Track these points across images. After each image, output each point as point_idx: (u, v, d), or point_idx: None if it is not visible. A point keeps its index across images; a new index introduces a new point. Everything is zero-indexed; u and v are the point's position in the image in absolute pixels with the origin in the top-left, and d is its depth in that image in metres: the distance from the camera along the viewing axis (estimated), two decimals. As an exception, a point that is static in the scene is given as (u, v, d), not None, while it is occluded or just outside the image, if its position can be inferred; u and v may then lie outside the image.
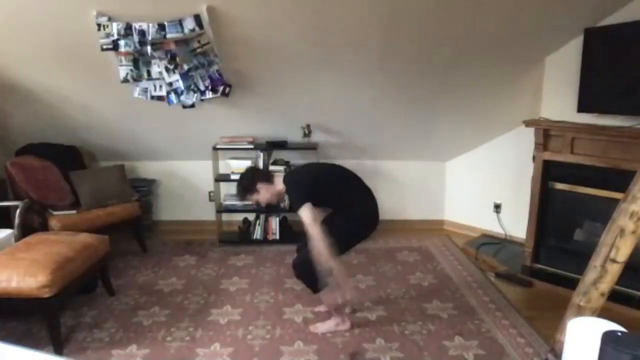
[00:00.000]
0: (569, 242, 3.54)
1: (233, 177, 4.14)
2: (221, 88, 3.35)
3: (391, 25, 2.98)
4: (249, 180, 2.69)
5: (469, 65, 3.37)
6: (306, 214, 2.46)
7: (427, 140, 4.27)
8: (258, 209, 4.19)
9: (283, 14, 2.88)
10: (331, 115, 3.93)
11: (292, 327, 2.80)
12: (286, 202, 4.21)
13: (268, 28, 2.99)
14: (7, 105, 3.64)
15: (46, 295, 2.43)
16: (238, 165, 4.13)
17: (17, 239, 3.00)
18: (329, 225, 2.54)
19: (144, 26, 2.94)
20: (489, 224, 4.34)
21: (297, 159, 4.25)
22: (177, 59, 3.16)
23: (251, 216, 4.28)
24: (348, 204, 2.66)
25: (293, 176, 2.76)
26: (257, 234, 4.19)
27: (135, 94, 3.34)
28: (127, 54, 3.10)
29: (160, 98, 3.37)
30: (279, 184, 2.69)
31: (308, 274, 2.59)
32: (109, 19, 2.90)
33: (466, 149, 4.41)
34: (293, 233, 4.29)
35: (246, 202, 2.83)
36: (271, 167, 4.15)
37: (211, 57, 3.19)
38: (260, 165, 4.11)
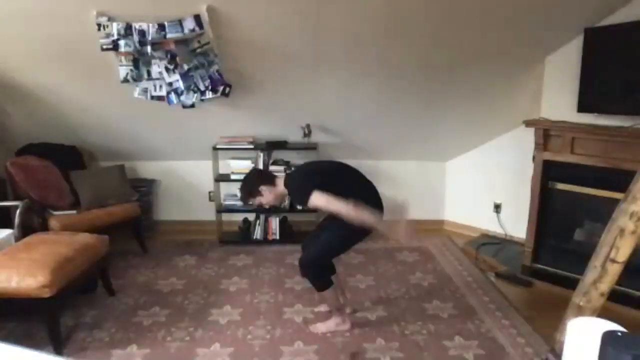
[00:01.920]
0: (569, 242, 3.54)
1: (233, 177, 4.14)
2: (221, 88, 3.35)
3: (391, 26, 2.98)
4: (252, 184, 2.69)
5: (469, 65, 3.37)
6: (319, 199, 2.45)
7: (427, 141, 4.27)
8: (258, 209, 4.20)
9: (283, 14, 2.88)
10: (331, 115, 3.93)
11: (292, 327, 2.80)
12: (286, 202, 4.22)
13: (268, 28, 2.99)
14: (8, 105, 3.64)
15: (46, 295, 2.43)
16: (238, 165, 4.14)
17: (17, 239, 3.00)
18: (335, 224, 2.55)
19: (144, 26, 2.94)
20: (489, 224, 4.34)
21: (297, 159, 4.25)
22: (177, 59, 3.16)
23: (251, 216, 4.28)
24: (351, 195, 2.65)
25: (294, 175, 2.78)
26: (257, 234, 4.19)
27: (135, 94, 3.34)
28: (127, 54, 3.10)
29: (160, 98, 3.37)
30: (281, 185, 2.69)
31: (314, 273, 2.61)
32: (109, 19, 2.90)
33: (466, 149, 4.41)
34: (293, 233, 4.30)
35: (250, 205, 2.84)
36: (271, 167, 4.15)
37: (211, 57, 3.19)
38: (260, 165, 4.11)
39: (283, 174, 2.82)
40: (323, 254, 2.62)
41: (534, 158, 3.53)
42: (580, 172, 3.25)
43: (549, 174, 3.46)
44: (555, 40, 3.24)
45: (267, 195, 2.68)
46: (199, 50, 3.12)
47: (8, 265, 2.47)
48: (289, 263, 3.76)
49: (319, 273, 2.61)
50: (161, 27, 2.94)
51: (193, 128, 3.96)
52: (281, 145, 4.12)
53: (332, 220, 2.59)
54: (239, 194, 2.88)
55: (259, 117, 3.95)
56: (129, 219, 3.81)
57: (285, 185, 2.67)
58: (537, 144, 3.44)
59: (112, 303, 3.09)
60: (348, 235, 2.58)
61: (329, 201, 2.43)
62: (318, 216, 4.21)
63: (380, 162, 4.48)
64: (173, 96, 3.35)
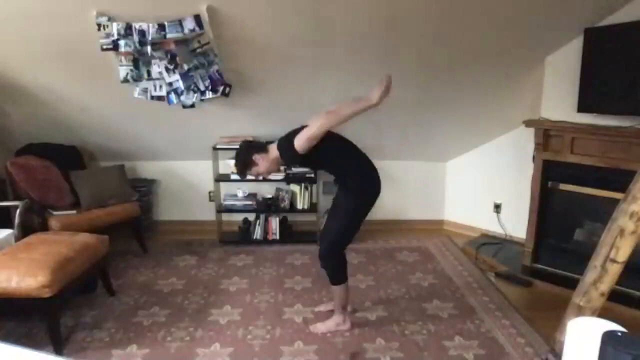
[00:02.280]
0: (569, 242, 3.54)
1: (233, 177, 4.14)
2: (221, 88, 3.34)
3: (391, 26, 2.98)
4: (245, 154, 2.66)
5: (469, 66, 3.37)
6: (319, 121, 2.44)
7: (428, 141, 4.27)
8: (258, 209, 4.20)
9: (283, 14, 2.88)
10: (331, 115, 3.92)
11: (292, 327, 2.80)
12: (286, 202, 4.22)
13: (268, 28, 2.99)
14: (7, 105, 3.64)
15: (46, 295, 2.43)
16: (238, 165, 4.13)
17: (17, 239, 3.00)
18: (341, 202, 2.63)
19: (144, 26, 2.94)
20: (489, 224, 4.34)
21: (297, 159, 4.24)
22: (177, 59, 3.16)
23: (251, 216, 4.28)
24: (351, 163, 2.65)
25: (284, 136, 2.68)
26: (257, 234, 4.19)
27: (135, 94, 3.34)
28: (127, 54, 3.10)
29: (160, 98, 3.37)
30: (274, 149, 2.64)
31: (333, 265, 2.66)
32: (109, 19, 2.90)
33: (466, 149, 4.41)
34: (293, 233, 4.30)
35: (249, 177, 2.77)
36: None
37: (211, 57, 3.19)
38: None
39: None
40: (339, 236, 2.65)
41: (534, 158, 3.53)
42: (580, 172, 3.25)
43: (549, 174, 3.46)
44: (555, 41, 3.24)
45: (262, 163, 2.64)
46: (199, 50, 3.12)
47: (8, 265, 2.47)
48: (289, 263, 3.76)
49: (340, 265, 2.66)
50: (161, 27, 2.94)
51: (193, 128, 3.96)
52: (281, 145, 4.11)
53: (338, 202, 2.68)
54: (235, 169, 2.80)
55: (259, 117, 3.95)
56: (129, 219, 3.81)
57: (278, 147, 2.63)
58: (537, 144, 3.44)
59: (112, 303, 3.09)
60: (356, 209, 2.63)
61: (332, 112, 2.43)
62: (318, 216, 4.22)
63: (380, 162, 4.42)
64: (173, 96, 3.35)
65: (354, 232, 2.71)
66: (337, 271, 2.68)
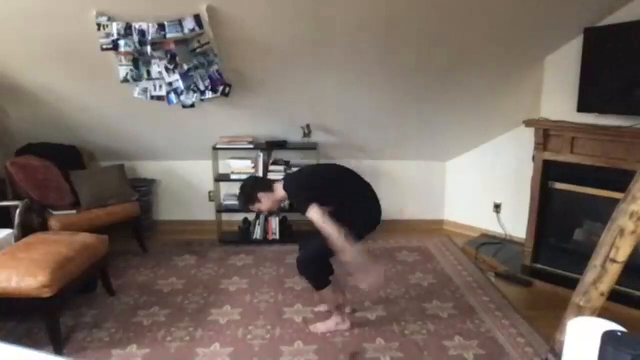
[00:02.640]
0: (569, 242, 3.54)
1: (233, 177, 4.15)
2: (221, 88, 3.35)
3: (391, 26, 2.98)
4: (251, 191, 2.70)
5: (469, 66, 3.37)
6: (315, 215, 2.46)
7: (427, 140, 4.27)
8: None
9: (283, 14, 2.88)
10: (331, 115, 3.93)
11: (292, 327, 2.80)
12: (286, 203, 4.22)
13: (268, 28, 2.99)
14: (7, 105, 3.64)
15: (46, 295, 2.43)
16: (238, 165, 4.14)
17: (17, 239, 3.00)
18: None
19: (144, 26, 2.94)
20: (489, 224, 4.34)
21: (297, 159, 4.25)
22: (177, 59, 3.16)
23: (251, 216, 4.28)
24: (349, 202, 2.66)
25: (294, 182, 2.74)
26: (257, 234, 4.19)
27: (135, 94, 3.34)
28: (127, 54, 3.10)
29: (160, 98, 3.37)
30: (279, 190, 2.69)
31: (312, 271, 2.61)
32: (109, 19, 2.90)
33: (466, 149, 4.41)
34: (293, 233, 4.30)
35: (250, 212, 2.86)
36: (271, 167, 4.16)
37: (211, 57, 3.19)
38: (261, 165, 4.11)
39: (282, 176, 2.81)
40: (319, 253, 2.60)
41: (534, 158, 3.52)
42: (580, 172, 3.24)
43: (549, 174, 3.46)
44: (555, 41, 3.24)
45: (265, 202, 2.69)
46: (199, 50, 3.12)
47: (8, 265, 2.47)
48: (289, 263, 3.76)
49: (317, 272, 2.61)
50: (161, 27, 2.94)
51: (193, 128, 3.96)
52: (281, 145, 4.11)
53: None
54: (237, 202, 2.88)
55: (259, 117, 3.95)
56: (129, 218, 3.81)
57: (285, 189, 2.67)
58: (537, 144, 3.44)
59: (112, 303, 3.09)
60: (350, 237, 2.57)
61: (323, 221, 2.45)
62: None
63: (380, 162, 4.48)
64: (173, 96, 3.35)
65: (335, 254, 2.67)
66: (315, 277, 2.62)
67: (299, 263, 2.64)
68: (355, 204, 2.68)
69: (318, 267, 2.61)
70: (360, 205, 2.69)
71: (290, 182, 2.73)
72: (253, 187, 2.72)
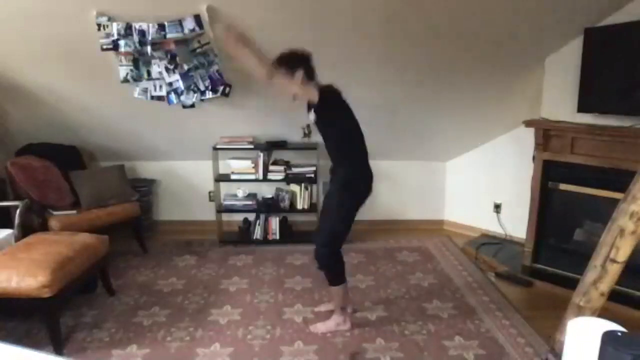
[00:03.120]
0: (569, 242, 3.54)
1: (233, 177, 4.15)
2: (221, 88, 3.35)
3: (391, 26, 2.98)
4: (297, 61, 2.53)
5: (470, 66, 3.37)
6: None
7: (427, 141, 4.27)
8: (258, 210, 4.20)
9: (283, 14, 2.88)
10: (331, 115, 3.92)
11: (292, 327, 2.80)
12: (286, 203, 4.21)
13: (268, 28, 2.99)
14: (8, 105, 3.64)
15: (46, 295, 2.43)
16: (238, 165, 4.14)
17: (17, 239, 3.00)
18: (333, 197, 2.66)
19: (144, 26, 2.95)
20: (489, 224, 4.34)
21: (297, 159, 4.25)
22: (177, 59, 3.16)
23: (251, 216, 4.28)
24: (364, 161, 2.75)
25: (339, 98, 2.67)
26: (257, 234, 4.19)
27: (135, 94, 3.34)
28: (127, 54, 3.10)
29: (160, 98, 3.37)
30: (314, 90, 2.55)
31: (330, 266, 2.65)
32: (109, 19, 2.90)
33: (466, 149, 4.41)
34: (293, 233, 4.30)
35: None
36: (271, 167, 4.15)
37: (211, 57, 3.19)
38: (261, 165, 4.10)
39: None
40: (332, 235, 2.63)
41: (534, 158, 3.53)
42: (580, 172, 3.24)
43: (549, 174, 3.46)
44: (555, 41, 3.24)
45: (291, 81, 2.51)
46: (199, 50, 3.12)
47: (8, 265, 2.47)
48: (289, 263, 3.76)
49: (337, 265, 2.65)
50: (161, 27, 2.94)
51: (193, 128, 3.96)
52: (281, 145, 4.12)
53: (329, 201, 2.72)
54: (276, 62, 2.59)
55: (259, 117, 3.95)
56: (129, 219, 3.81)
57: (322, 93, 2.53)
58: (537, 144, 3.44)
59: (112, 303, 3.09)
60: (346, 203, 2.62)
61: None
62: (318, 217, 4.21)
63: (380, 162, 4.45)
64: (173, 96, 3.35)
65: (346, 230, 2.67)
66: (335, 272, 2.67)
67: (317, 256, 2.67)
68: (366, 165, 2.74)
69: (336, 262, 2.64)
70: (368, 169, 2.73)
71: (333, 94, 2.61)
72: (304, 62, 2.52)
